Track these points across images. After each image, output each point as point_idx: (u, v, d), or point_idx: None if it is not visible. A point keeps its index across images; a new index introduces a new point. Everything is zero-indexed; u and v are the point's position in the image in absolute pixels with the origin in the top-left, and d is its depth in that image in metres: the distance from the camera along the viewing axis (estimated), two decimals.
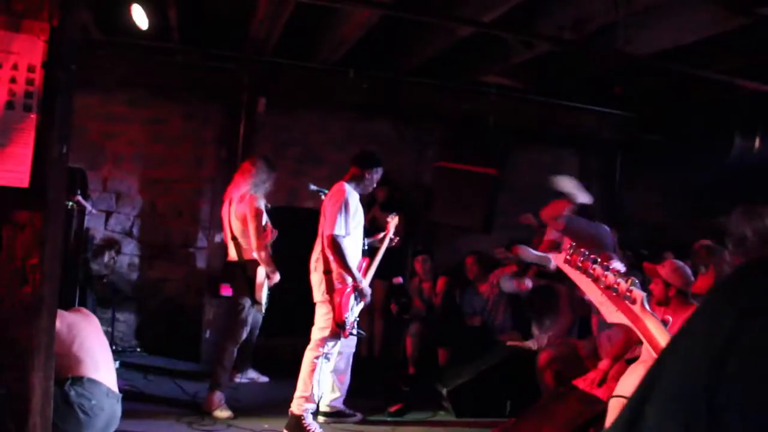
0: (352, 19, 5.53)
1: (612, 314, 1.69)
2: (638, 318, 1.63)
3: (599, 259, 1.71)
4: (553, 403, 4.84)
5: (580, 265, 1.73)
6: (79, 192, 5.45)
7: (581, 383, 4.70)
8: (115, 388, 3.75)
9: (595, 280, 1.70)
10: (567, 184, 5.93)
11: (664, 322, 1.69)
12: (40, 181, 2.44)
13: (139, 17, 5.43)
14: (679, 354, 0.74)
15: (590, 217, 5.94)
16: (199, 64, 6.63)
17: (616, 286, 1.67)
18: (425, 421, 5.58)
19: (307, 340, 4.94)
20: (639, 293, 1.64)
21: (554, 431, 4.23)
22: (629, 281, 1.66)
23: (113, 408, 3.66)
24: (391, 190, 7.14)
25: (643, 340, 1.64)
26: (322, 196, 5.65)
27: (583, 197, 5.95)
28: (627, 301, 1.65)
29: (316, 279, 4.95)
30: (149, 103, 6.97)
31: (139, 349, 6.89)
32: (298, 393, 4.82)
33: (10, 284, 2.41)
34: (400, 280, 7.06)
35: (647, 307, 1.63)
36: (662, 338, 1.60)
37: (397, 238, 5.61)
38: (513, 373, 5.71)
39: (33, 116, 2.46)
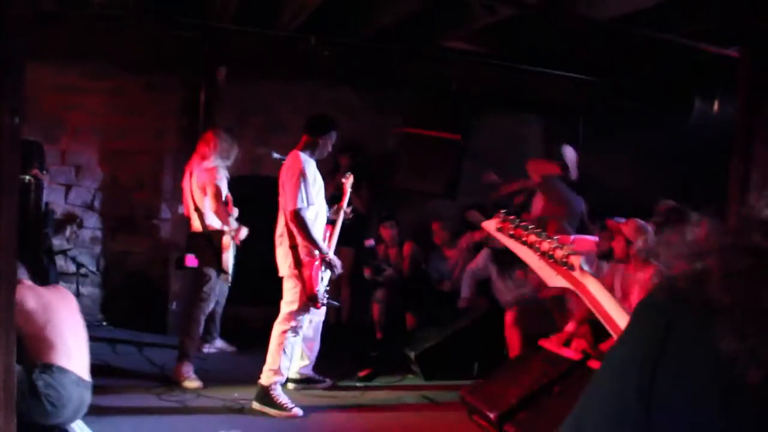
0: None
1: (552, 278, 1.65)
2: (579, 282, 1.61)
3: (531, 225, 1.68)
4: (519, 363, 4.94)
5: (513, 233, 1.69)
6: (36, 165, 5.34)
7: (547, 344, 4.80)
8: (86, 375, 3.71)
9: (531, 246, 1.66)
10: (569, 155, 6.03)
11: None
12: None
13: None
14: (614, 362, 0.78)
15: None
16: (157, 34, 6.49)
17: (552, 252, 1.63)
18: (394, 385, 5.67)
19: (276, 310, 4.95)
20: (576, 258, 1.61)
21: (520, 391, 4.32)
22: (565, 247, 1.62)
23: (82, 396, 3.63)
24: (355, 157, 7.12)
25: (587, 302, 1.61)
26: None
27: (574, 174, 6.06)
28: (565, 267, 1.61)
29: (282, 253, 4.93)
30: (107, 74, 6.82)
31: (105, 323, 6.82)
32: (267, 366, 4.83)
33: None
34: (371, 242, 7.06)
35: (587, 269, 1.62)
36: (604, 299, 1.58)
37: (350, 209, 5.56)
38: (480, 335, 5.81)
39: None
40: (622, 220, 5.01)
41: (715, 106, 6.99)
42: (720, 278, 0.67)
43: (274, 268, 5.02)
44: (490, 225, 1.75)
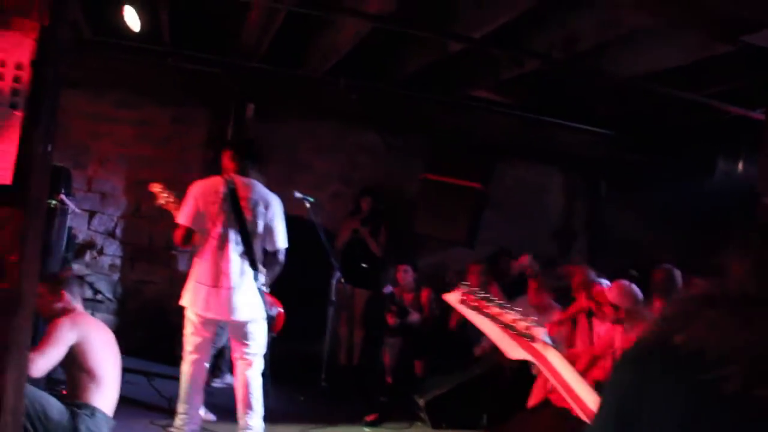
0: (343, 30, 5.56)
1: (514, 350, 1.67)
2: (540, 354, 1.64)
3: (494, 298, 1.70)
4: (529, 417, 4.87)
5: (475, 304, 1.71)
6: (63, 191, 5.42)
7: (557, 398, 4.73)
8: (112, 412, 3.77)
9: (493, 318, 1.68)
10: None
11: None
12: (23, 178, 2.45)
13: (132, 19, 5.43)
14: (598, 418, 0.87)
15: None
16: (188, 68, 6.62)
17: (513, 324, 1.66)
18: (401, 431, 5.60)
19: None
20: (538, 330, 1.65)
21: None
22: (528, 319, 1.66)
23: None
24: (376, 201, 7.16)
25: (547, 375, 1.63)
26: (308, 204, 5.65)
27: None
28: (527, 339, 1.64)
29: (251, 295, 4.53)
30: (137, 105, 6.97)
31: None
32: (258, 414, 4.63)
33: None
34: (390, 288, 6.95)
35: (548, 341, 1.64)
36: (565, 371, 1.60)
37: None
38: (491, 386, 5.74)
39: (19, 114, 2.46)
40: (607, 283, 4.98)
41: (739, 167, 6.97)
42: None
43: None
44: (453, 297, 1.77)
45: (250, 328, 4.55)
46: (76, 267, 6.68)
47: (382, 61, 6.74)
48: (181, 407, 4.54)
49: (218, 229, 4.46)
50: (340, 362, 6.97)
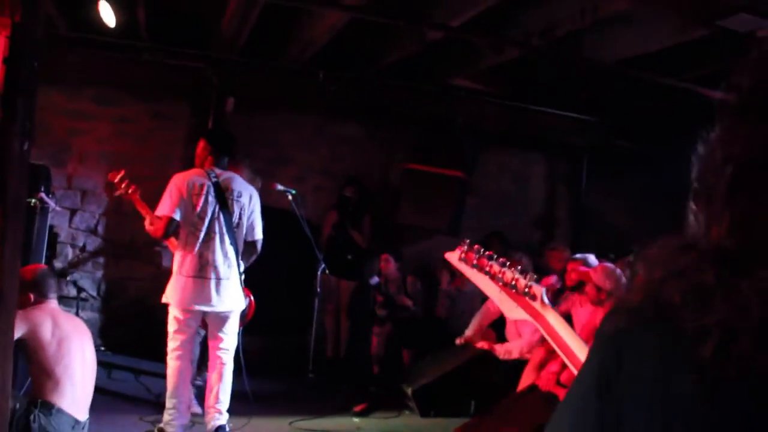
0: (321, 21, 5.55)
1: (512, 311, 1.66)
2: (539, 314, 1.63)
3: (495, 256, 1.69)
4: (515, 402, 4.91)
5: (476, 263, 1.69)
6: (42, 189, 5.37)
7: (542, 383, 4.77)
8: (83, 414, 3.69)
9: (493, 277, 1.67)
10: None
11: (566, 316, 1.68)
12: (1, 178, 2.43)
13: (107, 14, 5.37)
14: (579, 382, 0.86)
15: None
16: (167, 63, 6.58)
17: (514, 282, 1.65)
18: (390, 420, 5.62)
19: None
20: (538, 289, 1.64)
21: (516, 429, 4.29)
22: (528, 277, 1.64)
23: None
24: (359, 191, 7.15)
25: (545, 335, 1.64)
26: (290, 197, 5.65)
27: None
28: (527, 298, 1.63)
29: (234, 284, 4.62)
30: (116, 101, 6.91)
31: (102, 348, 6.79)
32: (225, 405, 4.68)
33: None
34: (376, 279, 6.94)
35: (547, 301, 1.64)
36: (564, 332, 1.60)
37: None
38: (478, 373, 5.77)
39: None
40: (593, 260, 5.09)
41: None
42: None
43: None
44: (453, 256, 1.74)
45: (230, 321, 4.63)
46: (58, 265, 6.63)
47: (361, 52, 6.73)
48: (169, 402, 4.56)
49: (203, 221, 4.49)
50: (327, 354, 6.98)
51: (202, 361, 5.73)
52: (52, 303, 3.75)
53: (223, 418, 4.62)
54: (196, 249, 4.48)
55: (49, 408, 3.43)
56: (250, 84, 6.86)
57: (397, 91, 7.27)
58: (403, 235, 7.57)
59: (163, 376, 5.75)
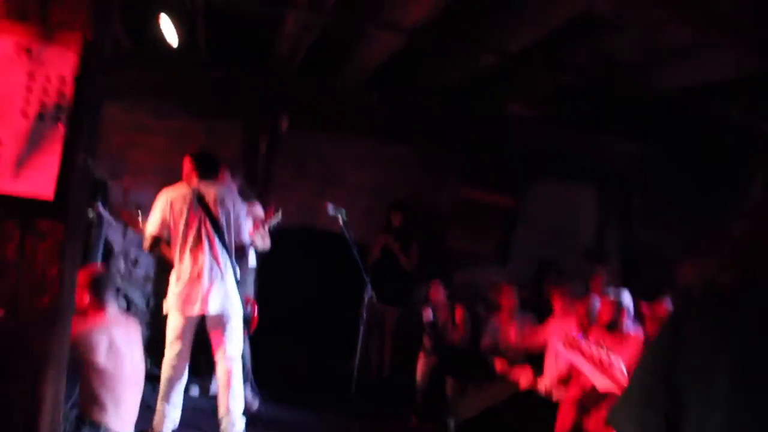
0: (377, 43, 5.56)
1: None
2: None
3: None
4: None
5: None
6: (99, 202, 5.48)
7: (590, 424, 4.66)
8: (130, 430, 3.72)
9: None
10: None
11: None
12: (65, 192, 2.45)
13: (170, 34, 5.47)
14: (651, 351, 1.16)
15: None
16: (224, 80, 6.68)
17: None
18: None
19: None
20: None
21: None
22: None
23: None
24: (407, 216, 7.10)
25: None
26: (341, 218, 5.63)
27: None
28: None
29: (229, 286, 4.76)
30: (171, 115, 7.01)
31: (148, 361, 6.85)
32: (238, 415, 4.77)
33: (29, 294, 2.41)
34: (430, 315, 6.68)
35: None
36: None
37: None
38: (523, 408, 5.64)
39: (61, 128, 2.46)
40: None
41: None
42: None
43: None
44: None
45: (229, 325, 4.73)
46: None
47: (415, 74, 6.72)
48: (160, 405, 4.71)
49: (192, 230, 4.69)
50: (370, 378, 6.89)
51: (208, 370, 5.76)
52: (110, 310, 3.72)
53: (236, 429, 4.68)
54: (186, 255, 4.68)
55: (96, 428, 3.48)
56: (304, 102, 6.91)
57: (450, 114, 7.23)
58: (450, 261, 7.48)
59: (206, 393, 5.79)
